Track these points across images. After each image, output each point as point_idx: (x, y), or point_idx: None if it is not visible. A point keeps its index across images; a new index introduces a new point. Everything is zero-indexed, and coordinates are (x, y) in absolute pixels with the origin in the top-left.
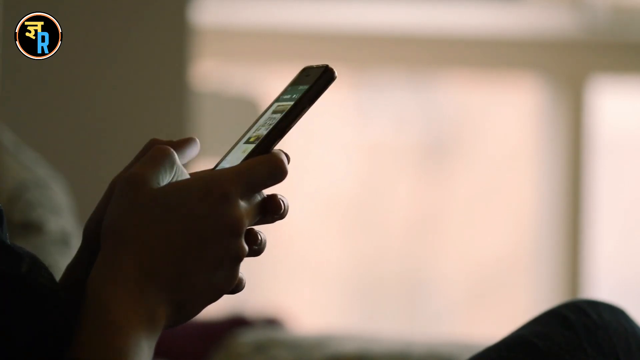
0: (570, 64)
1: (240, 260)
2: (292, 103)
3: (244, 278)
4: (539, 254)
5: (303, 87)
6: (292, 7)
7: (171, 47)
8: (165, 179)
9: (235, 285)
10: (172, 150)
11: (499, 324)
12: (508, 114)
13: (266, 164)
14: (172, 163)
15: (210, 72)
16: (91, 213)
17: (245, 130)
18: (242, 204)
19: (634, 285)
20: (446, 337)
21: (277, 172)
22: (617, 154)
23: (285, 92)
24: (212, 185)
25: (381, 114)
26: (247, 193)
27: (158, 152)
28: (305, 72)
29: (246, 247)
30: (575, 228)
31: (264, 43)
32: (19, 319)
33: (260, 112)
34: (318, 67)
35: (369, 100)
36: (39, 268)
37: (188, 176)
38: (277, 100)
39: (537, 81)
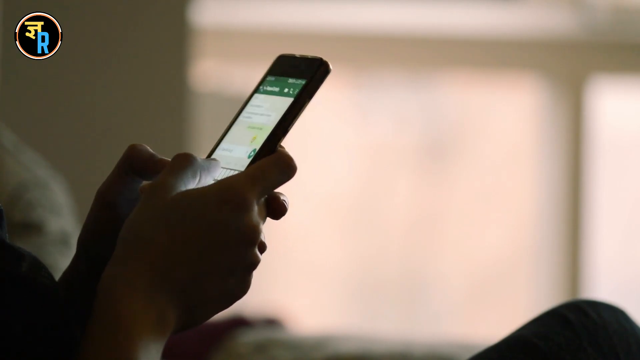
0: (570, 64)
1: (254, 268)
2: (291, 99)
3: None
4: (539, 254)
5: (299, 82)
6: (292, 7)
7: (171, 47)
8: (189, 185)
9: None
10: (193, 156)
11: (499, 324)
12: (508, 114)
13: (277, 164)
14: (195, 170)
15: (210, 72)
16: (82, 225)
17: (229, 124)
18: (257, 210)
19: (635, 285)
20: (446, 337)
21: (288, 170)
22: (617, 154)
23: (265, 83)
24: (229, 193)
25: (381, 114)
26: (261, 196)
27: (179, 160)
28: (288, 61)
29: (260, 256)
30: (575, 228)
31: (264, 43)
32: (19, 318)
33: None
34: (306, 58)
35: (369, 100)
36: (39, 267)
37: (212, 181)
38: (261, 92)
39: (537, 81)
